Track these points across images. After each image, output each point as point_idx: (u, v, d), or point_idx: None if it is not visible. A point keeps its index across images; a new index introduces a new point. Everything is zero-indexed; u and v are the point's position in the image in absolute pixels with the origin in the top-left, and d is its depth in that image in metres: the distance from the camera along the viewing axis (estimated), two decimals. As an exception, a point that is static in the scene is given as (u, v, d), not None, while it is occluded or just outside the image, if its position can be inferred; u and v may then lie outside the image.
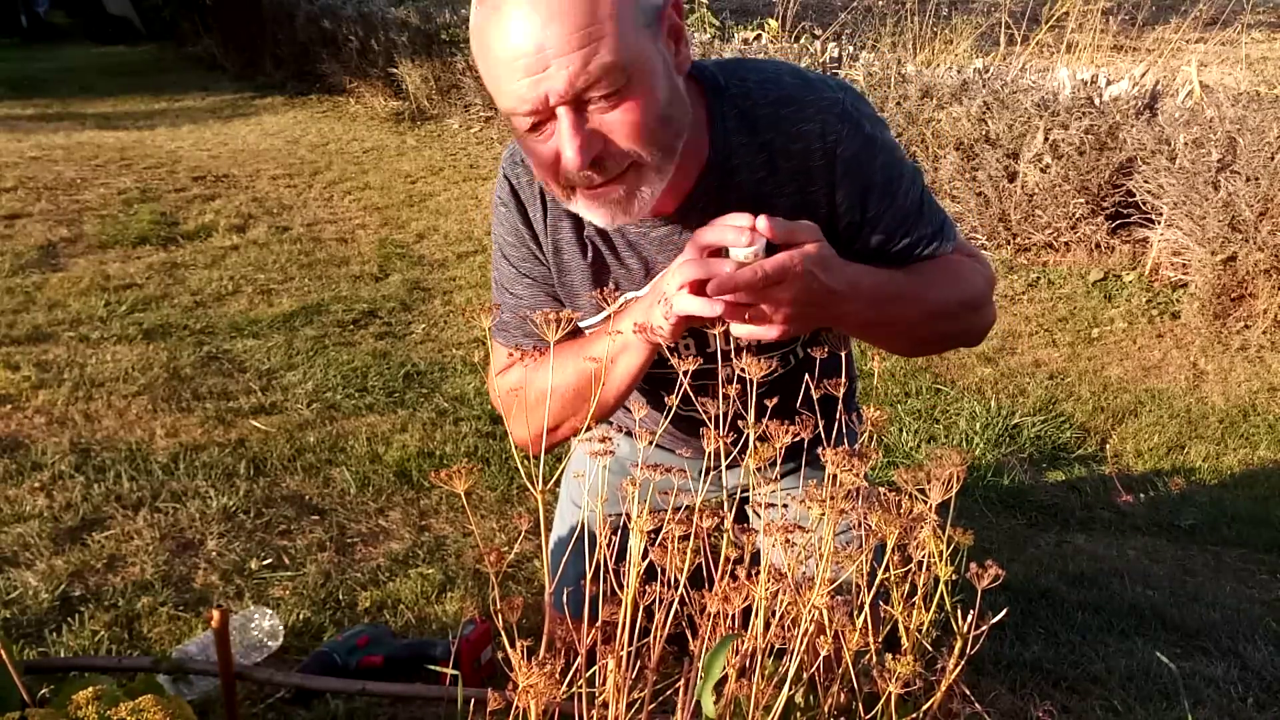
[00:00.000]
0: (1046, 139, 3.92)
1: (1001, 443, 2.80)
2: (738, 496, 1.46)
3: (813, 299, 1.01)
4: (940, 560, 0.86)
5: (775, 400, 0.95)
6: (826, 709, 0.90)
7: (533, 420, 1.19)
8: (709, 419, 0.90)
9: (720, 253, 1.01)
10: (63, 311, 3.32)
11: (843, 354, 1.11)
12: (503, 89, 0.97)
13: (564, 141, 0.97)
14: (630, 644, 0.84)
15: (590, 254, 1.21)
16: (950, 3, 6.83)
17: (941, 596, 0.87)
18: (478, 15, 0.98)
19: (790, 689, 0.84)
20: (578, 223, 1.19)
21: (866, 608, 0.89)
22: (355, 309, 3.51)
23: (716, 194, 1.12)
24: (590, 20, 0.92)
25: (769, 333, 1.02)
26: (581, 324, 1.25)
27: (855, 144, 1.11)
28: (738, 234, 0.99)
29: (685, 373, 0.91)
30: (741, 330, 1.02)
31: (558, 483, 1.63)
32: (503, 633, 0.78)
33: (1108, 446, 2.86)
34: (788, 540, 0.83)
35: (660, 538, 0.84)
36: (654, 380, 1.24)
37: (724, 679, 0.85)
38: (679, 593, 0.84)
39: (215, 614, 1.28)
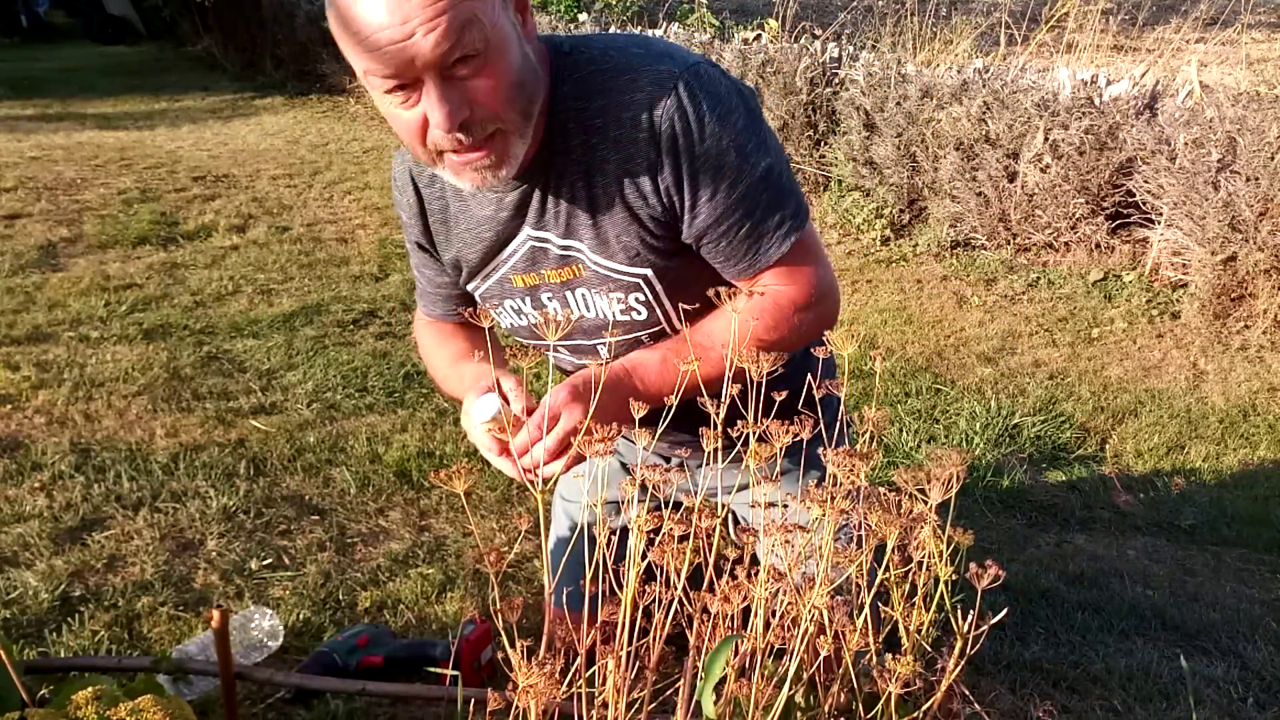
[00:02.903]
0: (1046, 139, 3.92)
1: (1001, 443, 2.80)
2: (730, 498, 1.46)
3: (596, 419, 1.01)
4: (940, 560, 0.85)
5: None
6: (826, 709, 0.90)
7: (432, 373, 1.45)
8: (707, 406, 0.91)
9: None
10: (63, 311, 3.32)
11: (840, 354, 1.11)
12: (365, 53, 0.97)
13: (433, 106, 0.99)
14: (630, 644, 0.84)
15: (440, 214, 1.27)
16: (950, 3, 6.83)
17: (941, 596, 0.87)
18: None
19: (790, 689, 0.84)
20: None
21: (867, 608, 0.89)
22: (355, 309, 3.51)
23: (553, 159, 1.14)
24: None
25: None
26: (470, 288, 1.34)
27: (680, 123, 1.08)
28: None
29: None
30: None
31: (558, 482, 1.63)
32: (503, 633, 0.78)
33: (1108, 446, 2.86)
34: (786, 541, 0.83)
35: (659, 538, 0.84)
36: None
37: (724, 679, 0.85)
38: (678, 593, 0.84)
39: (215, 614, 1.28)
